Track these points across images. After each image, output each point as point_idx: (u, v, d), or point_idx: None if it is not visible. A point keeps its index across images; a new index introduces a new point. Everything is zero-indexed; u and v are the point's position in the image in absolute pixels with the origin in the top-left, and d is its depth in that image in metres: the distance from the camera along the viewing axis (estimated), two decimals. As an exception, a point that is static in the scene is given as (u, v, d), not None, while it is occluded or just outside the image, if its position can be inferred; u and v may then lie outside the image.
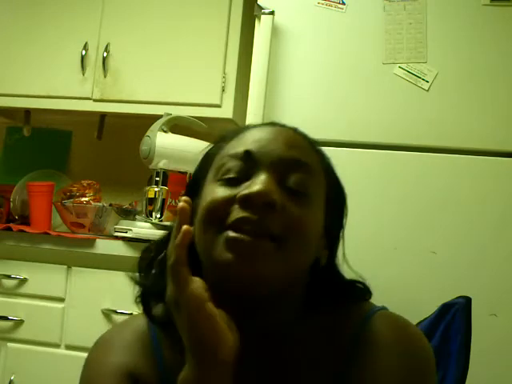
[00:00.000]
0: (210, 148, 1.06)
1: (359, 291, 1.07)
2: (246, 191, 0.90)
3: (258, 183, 0.90)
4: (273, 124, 1.04)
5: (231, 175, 0.95)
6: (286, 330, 0.99)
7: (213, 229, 0.92)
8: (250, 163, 0.94)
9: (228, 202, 0.92)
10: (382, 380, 0.93)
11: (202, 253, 0.95)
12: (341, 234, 1.05)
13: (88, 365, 1.06)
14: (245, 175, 0.94)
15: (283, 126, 1.04)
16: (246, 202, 0.89)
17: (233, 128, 1.10)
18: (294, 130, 1.04)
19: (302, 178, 0.95)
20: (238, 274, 0.88)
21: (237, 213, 0.90)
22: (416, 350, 0.97)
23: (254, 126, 1.04)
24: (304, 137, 1.04)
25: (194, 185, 1.04)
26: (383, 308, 1.04)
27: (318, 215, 0.97)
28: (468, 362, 1.29)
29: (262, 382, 0.97)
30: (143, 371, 1.01)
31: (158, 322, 1.04)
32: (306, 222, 0.93)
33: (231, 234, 0.89)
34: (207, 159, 1.04)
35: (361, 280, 1.07)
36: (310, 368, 0.98)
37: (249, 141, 0.97)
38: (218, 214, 0.91)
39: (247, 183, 0.92)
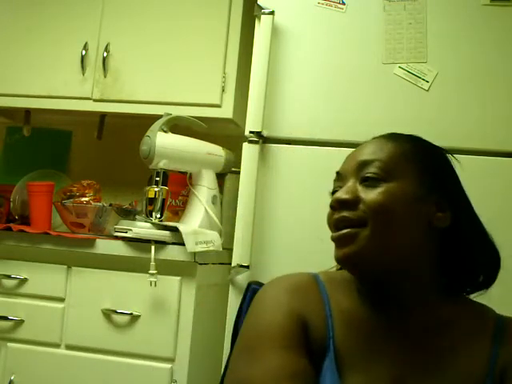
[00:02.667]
0: None
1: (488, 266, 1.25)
2: (332, 200, 1.16)
3: (337, 193, 1.16)
4: (377, 137, 1.24)
5: (336, 190, 1.20)
6: (428, 309, 1.16)
7: (329, 227, 1.18)
8: (342, 180, 1.20)
9: (331, 208, 1.18)
10: None
11: None
12: (456, 190, 1.23)
13: (262, 299, 1.20)
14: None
15: (381, 136, 1.24)
16: (332, 207, 1.16)
17: None
18: (382, 137, 1.23)
19: (373, 170, 1.14)
20: (340, 260, 1.14)
21: (329, 217, 1.17)
22: None
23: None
24: (385, 139, 1.21)
25: None
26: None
27: (401, 188, 1.12)
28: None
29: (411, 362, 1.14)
30: (312, 315, 1.15)
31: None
32: (381, 200, 1.10)
33: (331, 234, 1.16)
34: None
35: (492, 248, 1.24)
36: (454, 349, 1.14)
37: (342, 163, 1.23)
38: (329, 221, 1.18)
39: None
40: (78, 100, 2.87)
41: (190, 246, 2.29)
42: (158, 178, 2.43)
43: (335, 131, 2.21)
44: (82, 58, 2.84)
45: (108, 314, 2.37)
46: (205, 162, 2.51)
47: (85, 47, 2.84)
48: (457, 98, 2.14)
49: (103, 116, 3.11)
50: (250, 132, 2.25)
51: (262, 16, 2.28)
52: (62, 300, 2.43)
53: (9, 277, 2.46)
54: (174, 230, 2.36)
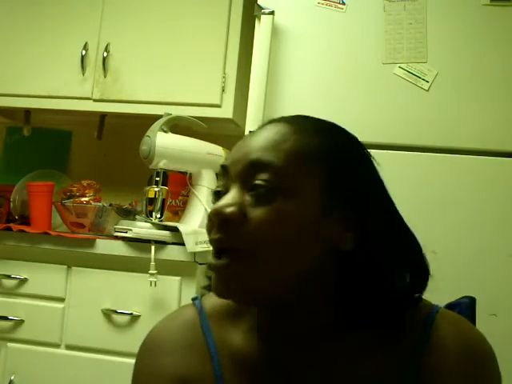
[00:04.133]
0: None
1: (412, 285, 0.97)
2: (209, 212, 0.91)
3: (220, 202, 0.91)
4: (267, 123, 1.00)
5: (218, 189, 0.96)
6: (333, 344, 0.95)
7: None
8: (227, 177, 0.95)
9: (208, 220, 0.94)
10: None
11: None
12: (368, 198, 0.94)
13: (137, 369, 1.06)
14: (227, 188, 0.94)
15: (276, 121, 0.98)
16: (211, 222, 0.91)
17: None
18: (283, 123, 0.97)
19: (266, 179, 0.89)
20: (220, 295, 0.92)
21: (208, 232, 0.93)
22: (483, 359, 0.95)
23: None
24: (287, 128, 0.95)
25: None
26: (439, 306, 1.01)
27: (300, 204, 0.89)
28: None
29: None
30: (196, 371, 0.98)
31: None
32: (272, 224, 0.88)
33: (209, 259, 0.92)
34: None
35: (418, 261, 0.98)
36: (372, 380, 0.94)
37: (230, 153, 0.98)
38: (208, 234, 0.93)
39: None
40: (78, 100, 2.87)
41: (190, 246, 2.29)
42: (157, 178, 2.43)
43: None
44: (82, 57, 2.84)
45: (108, 313, 2.37)
46: (205, 162, 2.51)
47: (85, 47, 2.84)
48: (457, 98, 2.14)
49: (103, 116, 3.11)
50: (250, 132, 2.24)
51: (262, 16, 2.28)
52: (62, 300, 2.43)
53: (9, 277, 2.46)
54: (174, 229, 2.36)
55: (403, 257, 0.95)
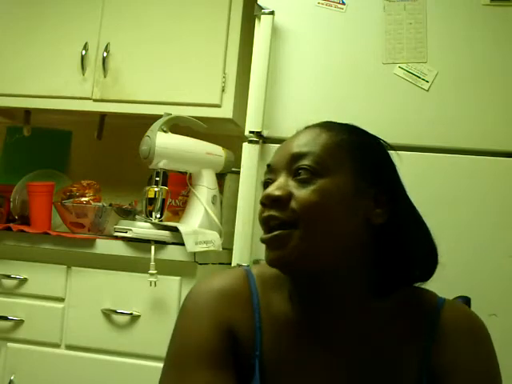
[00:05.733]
0: None
1: (426, 259, 1.17)
2: (261, 197, 1.09)
3: (268, 189, 1.08)
4: (310, 126, 1.17)
5: (267, 181, 1.13)
6: (363, 312, 1.10)
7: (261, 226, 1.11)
8: (274, 173, 1.12)
9: (261, 205, 1.10)
10: (462, 366, 1.08)
11: None
12: (394, 183, 1.15)
13: (188, 309, 1.14)
14: (273, 181, 1.11)
15: (308, 127, 1.17)
16: (262, 204, 1.08)
17: None
18: (315, 126, 1.16)
19: (306, 165, 1.06)
20: (271, 263, 1.08)
21: (260, 215, 1.10)
22: (485, 339, 1.14)
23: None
24: (318, 129, 1.14)
25: None
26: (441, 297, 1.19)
27: (337, 184, 1.06)
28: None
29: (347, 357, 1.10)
30: (241, 326, 1.11)
31: None
32: (315, 199, 1.04)
33: (262, 235, 1.09)
34: None
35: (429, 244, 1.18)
36: (390, 350, 1.10)
37: (274, 154, 1.16)
38: (259, 218, 1.10)
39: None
40: (78, 100, 2.87)
41: (190, 246, 2.29)
42: (157, 178, 2.43)
43: (335, 131, 2.21)
44: (82, 57, 2.84)
45: (108, 313, 2.37)
46: (205, 162, 2.52)
47: (85, 47, 2.84)
48: (457, 97, 2.13)
49: (103, 116, 3.11)
50: (250, 132, 2.24)
51: (262, 16, 2.27)
52: (61, 300, 2.43)
53: (9, 277, 2.46)
54: (174, 230, 2.36)
55: (421, 234, 1.16)
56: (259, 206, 1.10)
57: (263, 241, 1.08)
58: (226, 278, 1.17)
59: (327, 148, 1.08)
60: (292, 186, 1.07)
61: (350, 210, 1.06)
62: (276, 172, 1.11)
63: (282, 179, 1.08)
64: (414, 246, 1.13)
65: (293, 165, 1.08)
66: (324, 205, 1.04)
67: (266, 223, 1.07)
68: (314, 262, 1.05)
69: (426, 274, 1.17)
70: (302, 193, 1.05)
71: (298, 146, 1.10)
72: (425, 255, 1.16)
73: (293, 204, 1.04)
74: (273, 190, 1.07)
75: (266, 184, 1.12)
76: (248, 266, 1.19)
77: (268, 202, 1.06)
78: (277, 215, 1.05)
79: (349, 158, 1.08)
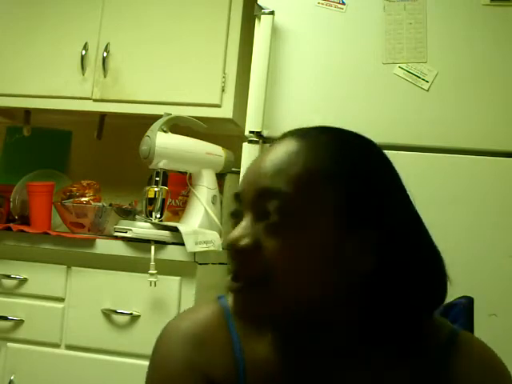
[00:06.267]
0: None
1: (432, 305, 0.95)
2: (225, 243, 0.92)
3: (233, 232, 0.90)
4: (281, 137, 0.97)
5: (233, 217, 0.95)
6: (352, 360, 0.94)
7: None
8: (240, 204, 0.93)
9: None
10: None
11: None
12: (394, 229, 0.90)
13: (155, 361, 1.01)
14: (241, 217, 0.92)
15: (289, 136, 0.96)
16: (228, 253, 0.91)
17: None
18: (292, 141, 0.94)
19: (276, 208, 0.87)
20: (240, 317, 0.95)
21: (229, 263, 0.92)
22: (504, 380, 0.95)
23: (272, 144, 0.98)
24: (296, 147, 0.92)
25: None
26: (458, 328, 1.00)
27: (315, 233, 0.87)
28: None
29: None
30: (219, 368, 0.96)
31: None
32: (288, 253, 0.86)
33: (229, 284, 0.91)
34: None
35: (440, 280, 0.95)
36: None
37: (243, 177, 0.96)
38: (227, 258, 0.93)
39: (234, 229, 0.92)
40: (78, 100, 2.87)
41: (190, 246, 2.29)
42: (157, 178, 2.43)
43: (335, 131, 2.21)
44: (82, 57, 2.84)
45: (108, 313, 2.37)
46: (205, 162, 2.52)
47: (85, 47, 2.84)
48: (457, 97, 2.13)
49: (103, 116, 3.11)
50: (250, 132, 2.25)
51: (262, 16, 2.27)
52: (61, 300, 2.43)
53: (9, 277, 2.46)
54: (174, 230, 2.36)
55: (424, 277, 0.92)
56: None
57: (229, 290, 0.92)
58: (202, 316, 1.02)
59: (303, 181, 0.88)
60: (260, 231, 0.88)
61: (328, 262, 0.88)
62: (243, 205, 0.92)
63: (248, 222, 0.90)
64: (412, 289, 0.91)
65: (260, 204, 0.89)
66: (296, 260, 0.87)
67: (234, 275, 0.90)
68: (285, 318, 0.91)
69: (431, 308, 0.96)
70: (271, 245, 0.86)
71: (267, 176, 0.89)
72: (430, 291, 0.94)
73: (260, 257, 0.87)
74: (238, 237, 0.88)
75: (236, 215, 0.94)
76: (222, 297, 1.05)
77: (233, 252, 0.89)
78: (243, 270, 0.89)
79: (332, 193, 0.88)
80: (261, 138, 2.24)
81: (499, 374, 0.95)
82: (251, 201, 0.90)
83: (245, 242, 0.88)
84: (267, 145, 2.25)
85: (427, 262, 0.94)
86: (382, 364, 0.93)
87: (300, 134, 0.96)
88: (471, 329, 1.30)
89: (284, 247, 0.86)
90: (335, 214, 0.87)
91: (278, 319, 0.91)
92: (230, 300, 0.98)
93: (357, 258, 0.88)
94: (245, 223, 0.90)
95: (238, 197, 0.94)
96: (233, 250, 0.89)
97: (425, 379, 0.93)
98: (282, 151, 0.92)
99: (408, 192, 0.98)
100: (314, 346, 0.94)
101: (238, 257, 0.89)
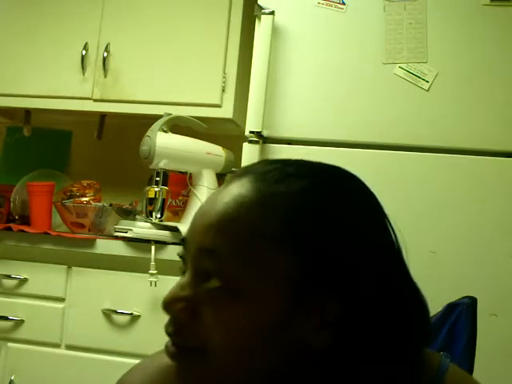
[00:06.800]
0: None
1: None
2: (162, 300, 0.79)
3: (170, 290, 0.79)
4: (232, 178, 0.83)
5: (181, 264, 0.82)
6: None
7: None
8: (185, 252, 0.81)
9: None
10: None
11: None
12: (362, 295, 0.75)
13: None
14: (186, 266, 0.81)
15: (246, 173, 0.81)
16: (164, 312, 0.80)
17: None
18: (246, 177, 0.80)
19: (216, 271, 0.75)
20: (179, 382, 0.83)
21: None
22: None
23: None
24: (248, 191, 0.78)
25: None
26: (446, 363, 0.87)
27: (261, 308, 0.74)
28: (473, 362, 1.28)
29: None
30: None
31: None
32: (227, 333, 0.75)
33: (166, 347, 0.81)
34: None
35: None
36: None
37: (192, 218, 0.83)
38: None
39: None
40: (78, 100, 2.86)
41: (190, 245, 2.28)
42: (158, 178, 2.43)
43: (335, 131, 2.21)
44: (82, 57, 2.84)
45: (108, 313, 2.37)
46: (205, 162, 2.51)
47: (85, 47, 2.84)
48: (457, 98, 2.13)
49: (103, 116, 3.11)
50: (250, 132, 2.24)
51: (262, 16, 2.27)
52: (62, 300, 2.43)
53: (9, 277, 2.46)
54: (174, 230, 2.36)
55: (400, 337, 0.78)
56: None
57: (168, 356, 0.81)
58: (154, 376, 0.93)
59: (248, 242, 0.74)
60: (199, 295, 0.76)
61: (274, 339, 0.76)
62: (187, 256, 0.80)
63: (188, 280, 0.78)
64: (383, 354, 0.76)
65: (200, 262, 0.77)
66: (238, 335, 0.75)
67: (170, 338, 0.80)
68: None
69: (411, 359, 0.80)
70: (207, 313, 0.75)
71: (210, 230, 0.77)
72: (408, 349, 0.79)
73: (196, 326, 0.76)
74: (174, 299, 0.78)
75: (183, 260, 0.81)
76: None
77: (169, 315, 0.79)
78: (179, 337, 0.79)
79: (283, 257, 0.74)
80: (261, 138, 2.24)
81: None
82: (192, 255, 0.79)
83: (181, 306, 0.77)
84: (267, 145, 2.25)
85: (405, 322, 0.79)
86: None
87: (258, 173, 0.80)
88: (474, 328, 1.31)
89: (222, 319, 0.75)
90: (285, 285, 0.74)
91: None
92: None
93: (311, 334, 0.75)
94: (184, 280, 0.79)
95: (184, 242, 0.81)
96: (168, 312, 0.78)
97: None
98: (233, 196, 0.78)
99: (395, 235, 0.83)
100: None
101: (173, 321, 0.78)
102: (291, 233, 0.74)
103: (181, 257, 0.82)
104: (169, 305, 0.77)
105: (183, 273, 0.81)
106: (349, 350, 0.75)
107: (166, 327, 0.79)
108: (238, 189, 0.78)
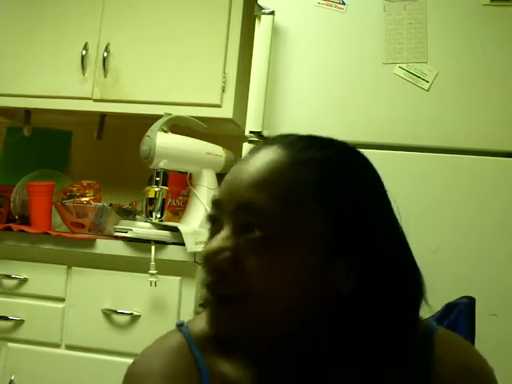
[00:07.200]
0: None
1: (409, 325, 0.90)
2: (203, 253, 0.85)
3: (212, 243, 0.85)
4: (269, 144, 0.91)
5: (210, 225, 0.90)
6: (330, 378, 0.91)
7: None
8: (220, 212, 0.88)
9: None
10: None
11: None
12: (380, 250, 0.87)
13: None
14: (220, 224, 0.87)
15: (281, 144, 0.89)
16: (204, 265, 0.85)
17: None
18: (281, 152, 0.88)
19: (260, 224, 0.82)
20: (215, 332, 0.89)
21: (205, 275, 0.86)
22: (484, 380, 0.93)
23: (250, 151, 0.93)
24: (284, 161, 0.87)
25: None
26: (435, 326, 0.96)
27: (299, 255, 0.83)
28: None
29: None
30: None
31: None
32: (271, 275, 0.82)
33: (205, 295, 0.87)
34: None
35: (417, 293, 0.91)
36: None
37: (223, 182, 0.90)
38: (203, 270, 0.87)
39: (213, 239, 0.86)
40: (78, 100, 2.86)
41: (190, 245, 2.29)
42: (158, 178, 2.43)
43: (335, 131, 2.17)
44: (82, 57, 2.83)
45: (108, 313, 2.37)
46: (205, 162, 2.51)
47: (85, 47, 2.84)
48: (457, 98, 2.13)
49: (103, 116, 3.11)
50: (250, 132, 2.24)
51: (262, 16, 2.27)
52: (62, 300, 2.43)
53: (9, 277, 2.46)
54: (174, 230, 2.36)
55: (404, 294, 0.89)
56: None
57: (204, 304, 0.88)
58: (169, 356, 0.95)
59: (289, 197, 0.84)
60: (241, 245, 0.83)
61: (311, 283, 0.84)
62: (224, 213, 0.87)
63: (228, 234, 0.84)
64: (392, 308, 0.88)
65: (242, 216, 0.84)
66: (278, 280, 0.82)
67: (209, 289, 0.86)
68: (263, 336, 0.88)
69: (409, 317, 0.91)
70: (251, 262, 0.82)
71: (250, 187, 0.85)
72: (408, 304, 0.90)
73: (240, 275, 0.82)
74: (217, 251, 0.83)
75: (213, 221, 0.90)
76: (183, 324, 1.00)
77: (210, 266, 0.84)
78: (221, 285, 0.84)
79: (318, 210, 0.84)
80: (261, 138, 2.24)
81: (476, 373, 0.93)
82: (232, 212, 0.85)
83: (224, 257, 0.83)
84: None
85: (406, 278, 0.89)
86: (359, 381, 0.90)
87: (283, 142, 0.89)
88: (473, 327, 1.31)
89: (264, 267, 0.82)
90: (322, 232, 0.83)
91: (251, 338, 0.89)
92: (196, 322, 0.98)
93: (339, 281, 0.85)
94: (224, 234, 0.85)
95: (217, 203, 0.89)
96: (210, 263, 0.84)
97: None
98: (264, 161, 0.86)
99: (392, 204, 0.93)
100: (287, 370, 0.91)
101: (216, 271, 0.84)
102: (326, 192, 0.85)
103: (211, 217, 0.89)
104: (213, 256, 0.83)
105: (212, 233, 0.87)
106: (367, 295, 0.85)
107: (205, 280, 0.85)
108: (269, 155, 0.87)
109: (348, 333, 0.87)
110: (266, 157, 0.87)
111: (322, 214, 0.84)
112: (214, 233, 0.88)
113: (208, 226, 0.91)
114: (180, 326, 1.00)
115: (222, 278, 0.83)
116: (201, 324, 0.95)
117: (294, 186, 0.84)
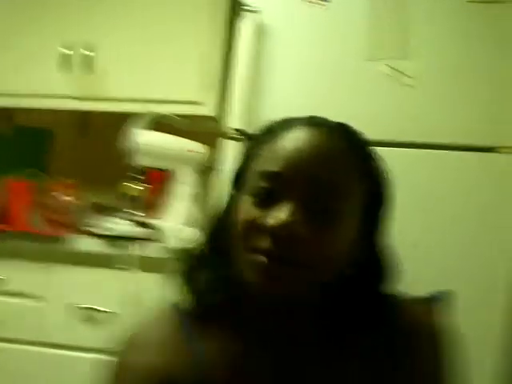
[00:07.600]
0: (251, 143, 1.06)
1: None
2: (271, 222, 0.91)
3: (283, 214, 0.90)
4: (310, 124, 0.99)
5: (263, 196, 0.94)
6: (324, 347, 1.01)
7: (244, 245, 0.94)
8: (280, 185, 0.93)
9: (259, 226, 0.92)
10: (425, 366, 1.03)
11: (236, 256, 0.97)
12: (381, 234, 1.03)
13: (117, 367, 1.05)
14: (277, 196, 0.93)
15: (321, 125, 1.00)
16: (272, 233, 0.90)
17: (271, 124, 1.05)
18: (331, 133, 0.99)
19: (331, 200, 0.92)
20: (265, 293, 0.94)
21: (265, 242, 0.91)
22: (439, 332, 1.06)
23: (290, 128, 0.99)
24: (338, 142, 0.98)
25: (237, 178, 1.04)
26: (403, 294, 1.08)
27: (346, 233, 0.94)
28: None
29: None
30: (178, 370, 0.99)
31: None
32: (330, 247, 0.92)
33: (259, 258, 0.91)
34: (248, 156, 1.04)
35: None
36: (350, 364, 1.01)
37: (280, 156, 0.95)
38: (248, 235, 0.93)
39: (276, 209, 0.92)
40: (61, 99, 2.85)
41: (172, 243, 2.28)
42: (139, 176, 2.43)
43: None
44: (66, 56, 2.81)
45: (88, 312, 2.36)
46: (186, 160, 2.52)
47: (68, 46, 2.81)
48: (441, 94, 2.13)
49: (85, 114, 3.09)
50: (233, 129, 2.24)
51: (246, 13, 2.27)
52: (41, 298, 2.42)
53: (-13, 275, 2.44)
54: (155, 227, 2.35)
55: (387, 272, 1.02)
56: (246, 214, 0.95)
57: (259, 266, 0.92)
58: (158, 329, 1.06)
59: (352, 177, 0.95)
60: (303, 218, 0.90)
61: (352, 253, 0.96)
62: (284, 189, 0.92)
63: (296, 208, 0.91)
64: (379, 282, 1.03)
65: (309, 192, 0.91)
66: (332, 253, 0.93)
67: (266, 253, 0.91)
68: (304, 297, 0.97)
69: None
70: (318, 235, 0.91)
71: (321, 163, 0.94)
72: (387, 279, 1.04)
73: (307, 247, 0.90)
74: (292, 222, 0.90)
75: (267, 193, 0.94)
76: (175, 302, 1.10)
77: (283, 235, 0.90)
78: (290, 257, 0.90)
79: (362, 192, 0.97)
80: (243, 136, 2.23)
81: (434, 330, 1.06)
82: (300, 187, 0.92)
83: (298, 231, 0.90)
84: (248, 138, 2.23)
85: (389, 267, 1.03)
86: (341, 349, 1.01)
87: (331, 126, 1.01)
88: (452, 322, 1.29)
89: (329, 239, 0.92)
90: (361, 211, 0.96)
91: (298, 295, 0.95)
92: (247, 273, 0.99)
93: (363, 251, 0.99)
94: (291, 209, 0.91)
95: (277, 177, 0.93)
96: (285, 233, 0.89)
97: (378, 347, 1.01)
98: (325, 143, 0.96)
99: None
100: (295, 330, 1.00)
101: (287, 242, 0.90)
102: (369, 177, 0.99)
103: (266, 189, 0.94)
104: (291, 225, 0.89)
105: (263, 204, 0.93)
106: (360, 275, 1.00)
107: (263, 247, 0.91)
108: (324, 135, 0.97)
109: (337, 304, 1.00)
110: (321, 138, 0.96)
111: (364, 194, 0.97)
112: (264, 203, 0.93)
113: (254, 198, 0.95)
114: (171, 303, 1.11)
115: (289, 246, 0.90)
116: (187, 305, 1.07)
117: (350, 167, 0.95)
